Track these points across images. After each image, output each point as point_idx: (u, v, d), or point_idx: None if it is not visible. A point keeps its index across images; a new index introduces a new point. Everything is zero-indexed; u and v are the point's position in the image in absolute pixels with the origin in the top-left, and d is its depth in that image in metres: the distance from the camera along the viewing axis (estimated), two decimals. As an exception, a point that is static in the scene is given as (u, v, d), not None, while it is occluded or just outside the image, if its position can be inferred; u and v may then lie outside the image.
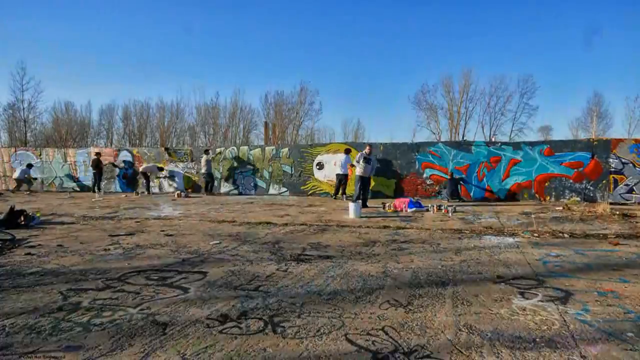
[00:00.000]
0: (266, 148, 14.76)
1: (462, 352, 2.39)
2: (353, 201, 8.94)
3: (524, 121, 40.94)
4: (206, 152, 14.79)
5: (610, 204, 9.90)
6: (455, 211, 9.24)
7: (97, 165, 15.30)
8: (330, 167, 13.76)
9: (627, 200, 10.96)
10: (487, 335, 2.63)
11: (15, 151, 18.02)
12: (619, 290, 3.56)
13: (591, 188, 11.34)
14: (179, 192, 14.33)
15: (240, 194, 14.82)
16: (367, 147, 10.61)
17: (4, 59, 52.98)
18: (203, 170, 14.49)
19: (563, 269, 4.34)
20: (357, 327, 2.77)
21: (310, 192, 13.96)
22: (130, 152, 16.55)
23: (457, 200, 11.78)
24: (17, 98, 36.65)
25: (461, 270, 4.29)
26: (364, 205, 9.87)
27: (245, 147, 15.16)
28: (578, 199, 11.33)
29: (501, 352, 2.40)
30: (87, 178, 16.80)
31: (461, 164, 12.34)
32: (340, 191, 12.69)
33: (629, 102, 39.18)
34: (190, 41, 60.16)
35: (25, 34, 52.59)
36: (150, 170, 15.27)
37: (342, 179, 12.49)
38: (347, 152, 12.76)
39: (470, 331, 2.69)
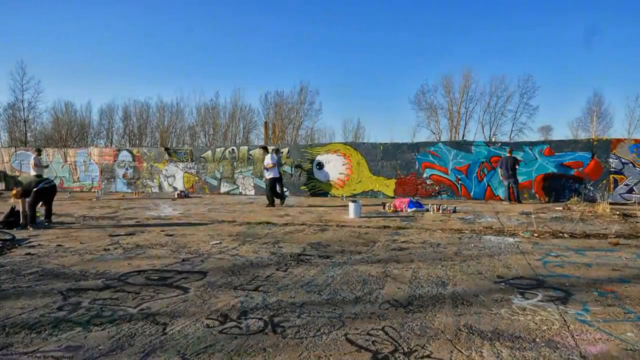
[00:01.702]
0: (269, 148, 14.76)
1: (462, 352, 2.39)
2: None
3: (524, 121, 40.91)
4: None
5: (610, 204, 9.90)
6: (455, 211, 9.25)
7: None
8: (330, 167, 13.78)
9: (627, 200, 10.96)
10: (487, 335, 2.63)
11: (15, 151, 18.03)
12: (619, 290, 3.56)
13: (591, 188, 11.34)
14: (179, 192, 14.34)
15: (240, 193, 14.84)
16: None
17: (3, 59, 53.03)
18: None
19: (563, 269, 4.34)
20: (357, 327, 2.77)
21: (310, 192, 13.97)
22: (131, 152, 16.56)
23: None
24: (17, 98, 36.67)
25: (461, 270, 4.29)
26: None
27: (245, 147, 15.17)
28: (578, 199, 11.34)
29: (501, 352, 2.40)
30: (88, 178, 16.81)
31: (461, 164, 12.34)
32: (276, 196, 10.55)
33: (629, 102, 39.26)
34: (190, 41, 60.15)
35: (24, 33, 52.61)
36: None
37: (274, 183, 10.56)
38: (266, 149, 11.06)
39: (470, 331, 2.69)
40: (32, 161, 11.37)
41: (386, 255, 5.03)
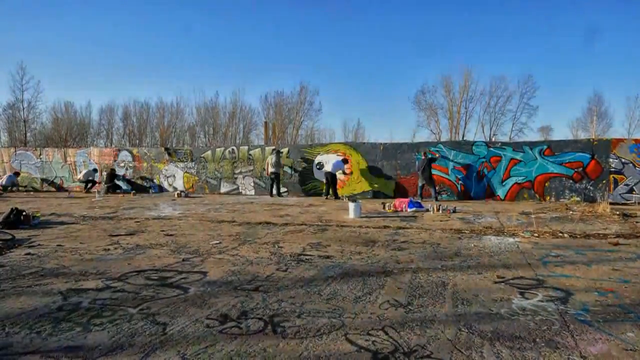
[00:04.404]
0: (266, 148, 14.76)
1: (462, 352, 2.39)
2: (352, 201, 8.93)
3: (524, 121, 40.91)
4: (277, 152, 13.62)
5: (610, 204, 9.90)
6: (455, 211, 9.25)
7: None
8: (330, 167, 13.75)
9: (627, 200, 10.96)
10: (487, 335, 2.63)
11: (15, 151, 18.02)
12: (619, 290, 3.56)
13: (591, 188, 11.34)
14: (179, 192, 14.34)
15: (239, 193, 14.83)
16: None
17: (3, 59, 53.03)
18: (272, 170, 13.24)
19: (563, 269, 4.34)
20: (357, 327, 2.77)
21: (311, 192, 13.96)
22: (130, 152, 16.55)
23: None
24: (17, 98, 36.67)
25: (461, 270, 4.29)
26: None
27: (245, 147, 15.17)
28: (578, 199, 11.34)
29: (501, 352, 2.40)
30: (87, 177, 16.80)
31: (461, 163, 12.34)
32: (331, 191, 12.68)
33: (629, 102, 39.30)
34: (190, 41, 60.16)
35: (24, 33, 52.61)
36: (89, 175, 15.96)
37: (330, 178, 12.64)
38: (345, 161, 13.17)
39: (470, 331, 2.69)
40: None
41: (386, 255, 5.03)
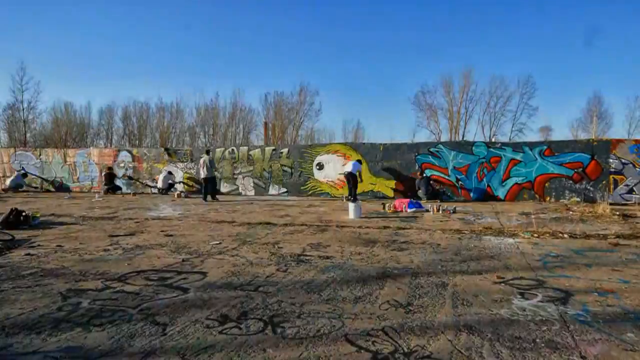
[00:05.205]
0: (266, 148, 14.77)
1: (461, 353, 2.38)
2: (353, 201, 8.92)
3: (524, 121, 40.93)
4: (207, 152, 13.27)
5: (610, 204, 9.90)
6: (455, 212, 9.24)
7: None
8: (330, 168, 13.78)
9: (627, 200, 10.96)
10: (487, 335, 2.63)
11: (15, 152, 18.01)
12: (619, 291, 3.56)
13: (591, 188, 11.34)
14: (178, 192, 14.33)
15: (239, 194, 14.83)
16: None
17: (3, 58, 53.04)
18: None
19: (563, 269, 4.34)
20: (357, 328, 2.76)
21: (310, 192, 13.97)
22: (130, 152, 16.55)
23: None
24: (17, 98, 36.68)
25: (461, 270, 4.29)
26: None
27: (245, 148, 15.17)
28: (578, 199, 11.34)
29: (501, 352, 2.40)
30: (87, 178, 16.81)
31: (461, 164, 12.34)
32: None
33: (629, 102, 39.34)
34: (189, 41, 60.20)
35: (24, 33, 52.62)
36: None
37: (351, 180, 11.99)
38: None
39: (470, 331, 2.69)
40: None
41: (386, 255, 5.03)
